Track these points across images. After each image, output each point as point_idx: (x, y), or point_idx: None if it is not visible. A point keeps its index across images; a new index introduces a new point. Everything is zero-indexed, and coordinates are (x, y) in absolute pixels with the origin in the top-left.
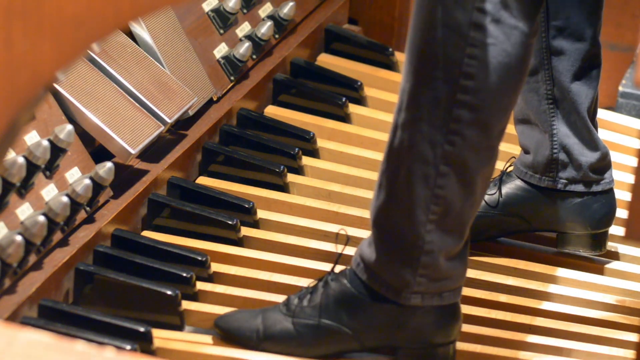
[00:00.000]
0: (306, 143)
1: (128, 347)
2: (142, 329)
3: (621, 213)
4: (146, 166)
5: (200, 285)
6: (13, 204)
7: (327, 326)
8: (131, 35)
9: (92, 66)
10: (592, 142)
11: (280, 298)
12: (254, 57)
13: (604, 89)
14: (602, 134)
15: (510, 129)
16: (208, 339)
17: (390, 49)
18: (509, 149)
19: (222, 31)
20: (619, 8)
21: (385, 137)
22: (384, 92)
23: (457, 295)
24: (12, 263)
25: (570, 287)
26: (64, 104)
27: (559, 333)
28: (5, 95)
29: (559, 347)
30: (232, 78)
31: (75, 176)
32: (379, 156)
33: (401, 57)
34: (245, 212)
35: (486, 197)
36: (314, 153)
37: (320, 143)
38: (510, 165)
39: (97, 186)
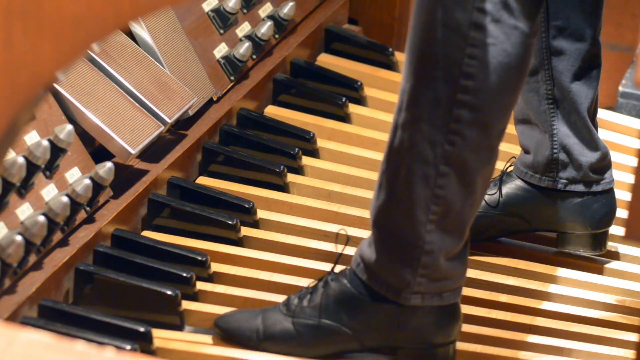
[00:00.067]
0: (306, 143)
1: (128, 347)
2: (142, 329)
3: (621, 213)
4: (146, 166)
5: (200, 285)
6: (13, 204)
7: (327, 326)
8: (131, 35)
9: (92, 66)
10: (592, 142)
11: (280, 298)
12: (254, 57)
13: (604, 89)
14: (602, 134)
15: (510, 129)
16: (208, 339)
17: (390, 49)
18: (509, 149)
19: (222, 31)
20: (619, 8)
21: (385, 137)
22: (384, 92)
23: (457, 295)
24: (12, 263)
25: (571, 287)
26: (64, 104)
27: (559, 333)
28: (5, 95)
29: (560, 347)
30: (232, 78)
31: (75, 176)
32: (379, 156)
33: (401, 57)
34: (245, 212)
35: (486, 197)
36: (314, 153)
37: (320, 143)
38: (510, 165)
39: (97, 186)
